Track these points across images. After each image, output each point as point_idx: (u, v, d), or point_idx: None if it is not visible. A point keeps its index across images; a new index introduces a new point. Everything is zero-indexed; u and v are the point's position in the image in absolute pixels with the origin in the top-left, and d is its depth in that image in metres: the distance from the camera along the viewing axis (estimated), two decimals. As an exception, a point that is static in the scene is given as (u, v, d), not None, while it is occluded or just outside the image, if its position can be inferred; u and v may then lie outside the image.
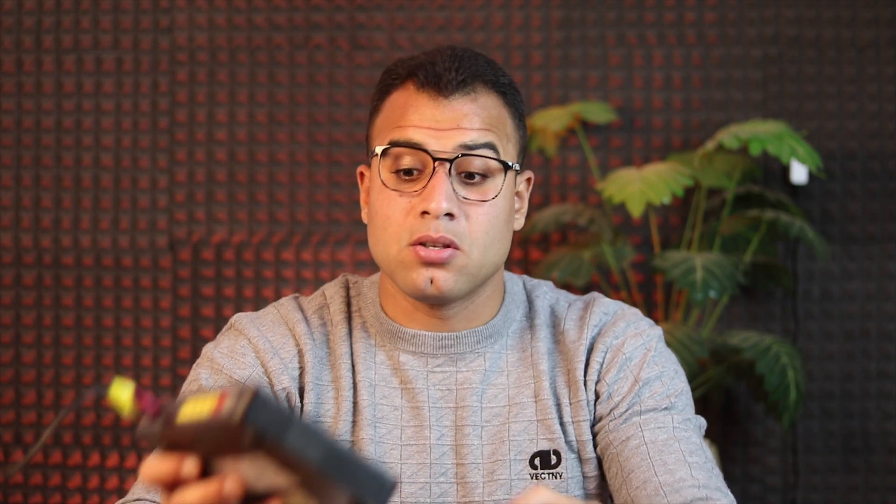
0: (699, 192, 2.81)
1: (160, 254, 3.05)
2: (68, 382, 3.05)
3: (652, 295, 2.96)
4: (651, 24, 3.03)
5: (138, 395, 0.93)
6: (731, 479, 2.92)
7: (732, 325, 2.97)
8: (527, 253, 3.03)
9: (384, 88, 1.41)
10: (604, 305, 1.45)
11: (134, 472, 3.03)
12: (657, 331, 1.46)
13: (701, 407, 2.93)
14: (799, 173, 2.91)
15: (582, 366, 1.40)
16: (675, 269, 2.55)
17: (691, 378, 2.67)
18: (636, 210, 2.51)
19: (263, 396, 0.81)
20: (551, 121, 2.80)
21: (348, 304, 1.46)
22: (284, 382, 1.37)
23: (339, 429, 1.36)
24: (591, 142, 3.02)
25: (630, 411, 1.36)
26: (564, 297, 1.49)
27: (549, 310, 1.46)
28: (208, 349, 1.41)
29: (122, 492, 3.04)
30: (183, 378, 3.00)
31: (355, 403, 1.38)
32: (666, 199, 2.53)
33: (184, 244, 3.05)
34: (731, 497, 1.29)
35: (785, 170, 2.95)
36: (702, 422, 1.42)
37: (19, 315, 3.07)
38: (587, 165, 3.01)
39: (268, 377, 1.37)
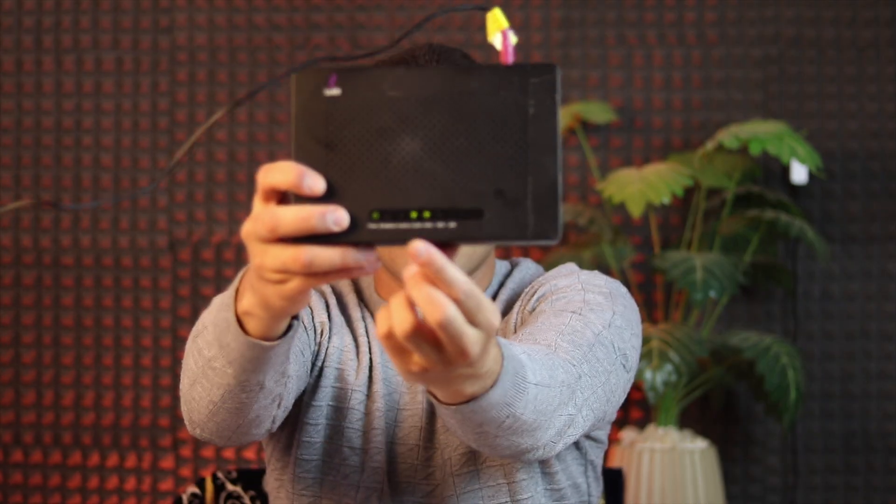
0: (699, 192, 2.81)
1: (160, 254, 3.05)
2: (68, 383, 3.05)
3: (652, 295, 2.96)
4: (651, 24, 3.03)
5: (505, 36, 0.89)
6: (731, 479, 2.92)
7: (732, 325, 2.97)
8: (527, 253, 3.04)
9: None
10: (562, 267, 1.46)
11: (134, 471, 3.03)
12: (610, 279, 1.45)
13: (701, 407, 2.94)
14: (799, 173, 2.91)
15: (518, 308, 1.41)
16: (675, 269, 2.55)
17: (691, 378, 2.68)
18: (636, 210, 2.51)
19: None
20: (551, 121, 2.80)
21: (353, 280, 1.49)
22: (322, 317, 1.41)
23: (359, 379, 1.39)
24: (591, 142, 3.02)
25: (535, 313, 1.35)
26: (543, 272, 1.50)
27: (527, 283, 1.46)
28: None
29: (122, 492, 3.04)
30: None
31: (371, 359, 1.42)
32: (666, 199, 2.53)
33: (184, 244, 3.05)
34: (585, 371, 1.24)
35: (785, 170, 2.95)
36: (624, 348, 1.33)
37: (19, 315, 3.07)
38: (587, 165, 3.01)
39: (310, 307, 1.41)
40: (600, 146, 3.03)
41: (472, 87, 0.83)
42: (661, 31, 3.04)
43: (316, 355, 1.41)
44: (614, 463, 2.71)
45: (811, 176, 2.95)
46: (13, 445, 3.06)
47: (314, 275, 0.84)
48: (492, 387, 0.95)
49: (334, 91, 0.84)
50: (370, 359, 1.42)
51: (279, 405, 1.17)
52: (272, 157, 3.05)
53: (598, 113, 2.89)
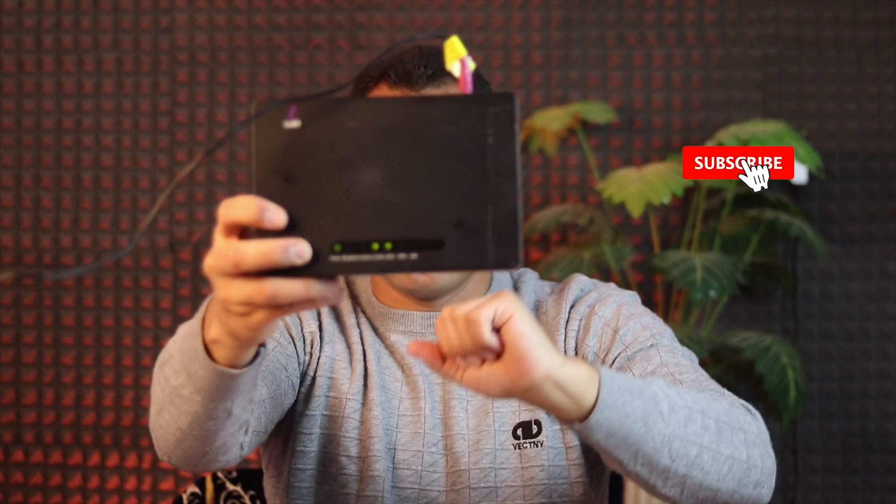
0: (699, 192, 2.81)
1: (160, 254, 3.06)
2: (69, 382, 3.05)
3: (652, 295, 2.97)
4: (651, 25, 3.04)
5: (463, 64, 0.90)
6: (730, 479, 2.93)
7: (732, 324, 2.97)
8: (527, 253, 3.04)
9: (359, 90, 1.44)
10: (580, 282, 1.48)
11: (135, 471, 3.04)
12: (629, 292, 1.48)
13: (701, 407, 2.94)
14: (799, 173, 2.92)
15: (562, 337, 1.42)
16: (674, 268, 2.55)
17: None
18: (636, 210, 2.51)
19: None
20: (551, 121, 2.80)
21: (348, 285, 1.50)
22: (311, 326, 1.42)
23: (353, 388, 1.40)
24: (591, 142, 3.02)
25: (618, 359, 1.37)
26: (549, 284, 1.52)
27: (533, 295, 1.49)
28: None
29: (122, 492, 3.05)
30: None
31: (366, 367, 1.42)
32: (666, 199, 2.53)
33: (184, 244, 3.06)
34: (731, 395, 1.29)
35: (784, 170, 2.96)
36: (692, 354, 1.41)
37: (20, 315, 3.07)
38: (587, 165, 3.01)
39: (298, 317, 1.42)
40: (600, 146, 3.03)
41: (431, 118, 0.83)
42: (660, 32, 3.04)
43: (307, 365, 1.40)
44: (614, 462, 2.71)
45: (811, 176, 2.95)
46: (14, 445, 3.07)
47: (278, 307, 0.85)
48: (597, 397, 0.99)
49: (294, 123, 0.84)
50: (364, 366, 1.42)
51: (246, 431, 1.16)
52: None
53: (598, 113, 2.90)
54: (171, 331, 3.03)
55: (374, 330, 1.46)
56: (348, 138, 0.84)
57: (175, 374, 1.06)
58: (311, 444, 1.38)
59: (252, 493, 1.74)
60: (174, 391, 1.07)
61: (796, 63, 3.02)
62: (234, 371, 0.98)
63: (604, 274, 2.88)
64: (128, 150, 3.08)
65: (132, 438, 3.03)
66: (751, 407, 1.23)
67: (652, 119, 3.03)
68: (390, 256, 0.83)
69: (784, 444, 2.98)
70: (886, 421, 2.98)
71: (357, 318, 1.45)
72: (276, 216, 0.83)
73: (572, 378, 0.97)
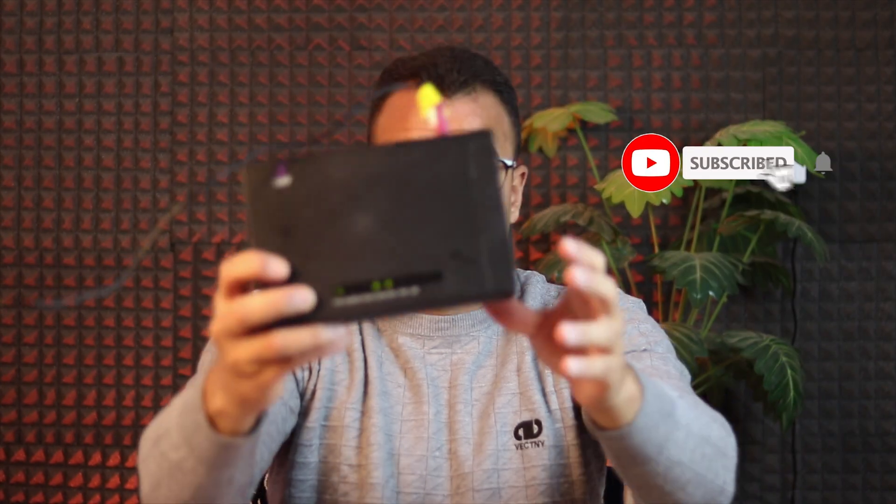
0: (698, 192, 2.82)
1: (161, 254, 3.06)
2: (70, 382, 3.06)
3: (651, 295, 2.97)
4: (650, 25, 3.04)
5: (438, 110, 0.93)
6: (730, 478, 2.93)
7: (731, 324, 2.97)
8: (527, 253, 3.04)
9: (383, 87, 1.43)
10: None
11: (136, 470, 3.04)
12: (633, 299, 1.49)
13: (700, 406, 2.94)
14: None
15: None
16: (674, 269, 2.56)
17: (690, 378, 2.68)
18: (635, 210, 2.52)
19: None
20: (551, 121, 2.81)
21: None
22: None
23: (352, 397, 1.39)
24: (591, 142, 3.03)
25: None
26: (555, 287, 1.53)
27: (540, 298, 1.49)
28: None
29: (123, 491, 3.05)
30: (184, 378, 3.01)
31: (366, 374, 1.42)
32: (665, 199, 2.54)
33: (185, 244, 3.06)
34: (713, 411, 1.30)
35: (784, 170, 2.96)
36: (684, 368, 1.42)
37: (21, 314, 3.08)
38: (587, 165, 3.01)
39: None
40: (600, 146, 3.04)
41: (412, 161, 0.87)
42: (660, 32, 3.04)
43: (307, 381, 1.40)
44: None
45: (810, 176, 2.95)
46: (15, 444, 3.07)
47: (288, 360, 0.86)
48: (640, 407, 1.00)
49: (284, 180, 0.87)
50: (365, 374, 1.42)
51: (250, 484, 1.17)
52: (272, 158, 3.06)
53: (598, 113, 2.90)
54: (172, 330, 3.04)
55: (379, 334, 1.46)
56: (337, 188, 0.87)
57: (174, 448, 1.06)
58: (311, 455, 1.38)
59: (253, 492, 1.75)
60: (174, 466, 1.07)
61: (795, 63, 3.03)
62: (238, 440, 0.99)
63: (603, 274, 2.88)
64: (129, 150, 3.08)
65: (133, 437, 3.04)
66: (727, 424, 1.26)
67: (651, 119, 3.04)
68: (392, 293, 0.85)
69: (783, 444, 2.98)
70: (885, 420, 2.98)
71: (359, 324, 1.45)
72: (279, 267, 0.85)
73: (624, 397, 0.98)
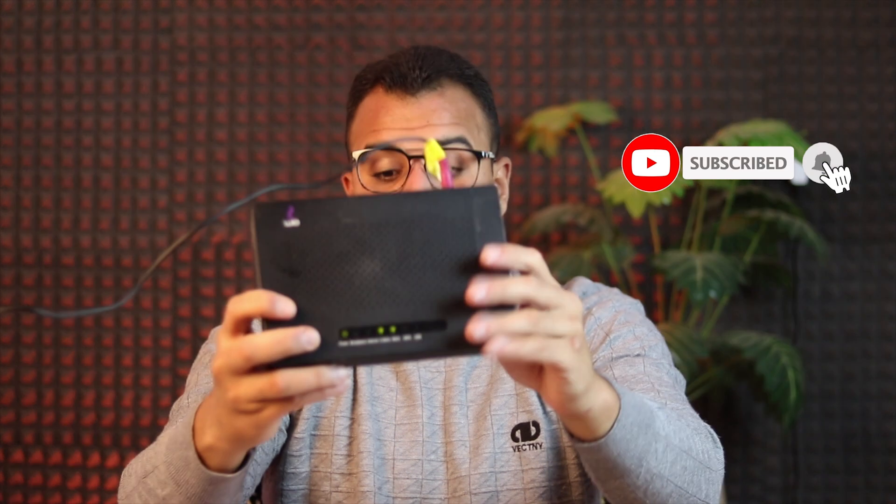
0: (699, 192, 2.81)
1: (160, 254, 3.05)
2: (68, 382, 3.05)
3: (652, 295, 2.96)
4: (651, 25, 3.03)
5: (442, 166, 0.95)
6: (731, 480, 2.92)
7: (732, 325, 2.97)
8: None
9: (356, 95, 1.44)
10: (582, 285, 1.49)
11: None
12: (631, 300, 1.48)
13: (701, 407, 2.94)
14: (799, 173, 2.91)
15: None
16: (675, 269, 2.55)
17: (691, 378, 2.68)
18: (636, 210, 2.51)
19: None
20: (551, 121, 2.80)
21: None
22: None
23: (341, 405, 1.39)
24: (591, 142, 3.02)
25: (601, 358, 1.38)
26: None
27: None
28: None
29: (122, 492, 3.05)
30: (183, 378, 3.00)
31: (355, 381, 1.41)
32: (666, 200, 2.53)
33: (184, 244, 3.05)
34: (702, 422, 1.29)
35: (785, 170, 2.95)
36: (678, 375, 1.41)
37: (18, 315, 3.07)
38: (587, 165, 3.01)
39: None
40: (600, 146, 3.03)
41: (420, 211, 0.89)
42: (661, 32, 3.04)
43: None
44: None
45: (811, 176, 2.95)
46: (13, 445, 3.06)
47: (289, 399, 0.86)
48: (617, 415, 0.99)
49: (293, 222, 0.89)
50: (354, 380, 1.41)
51: None
52: (272, 157, 3.06)
53: (598, 113, 2.89)
54: (171, 330, 3.03)
55: None
56: (345, 233, 0.88)
57: (161, 484, 1.06)
58: (301, 465, 1.38)
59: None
60: (161, 501, 1.07)
61: (797, 63, 3.02)
62: (227, 476, 0.99)
63: (604, 274, 2.88)
64: (127, 150, 3.08)
65: (132, 439, 3.03)
66: (715, 435, 1.25)
67: (652, 119, 3.03)
68: (395, 339, 0.87)
69: (784, 445, 2.98)
70: (887, 421, 2.97)
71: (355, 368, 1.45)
72: (286, 306, 0.85)
73: (599, 406, 0.98)
